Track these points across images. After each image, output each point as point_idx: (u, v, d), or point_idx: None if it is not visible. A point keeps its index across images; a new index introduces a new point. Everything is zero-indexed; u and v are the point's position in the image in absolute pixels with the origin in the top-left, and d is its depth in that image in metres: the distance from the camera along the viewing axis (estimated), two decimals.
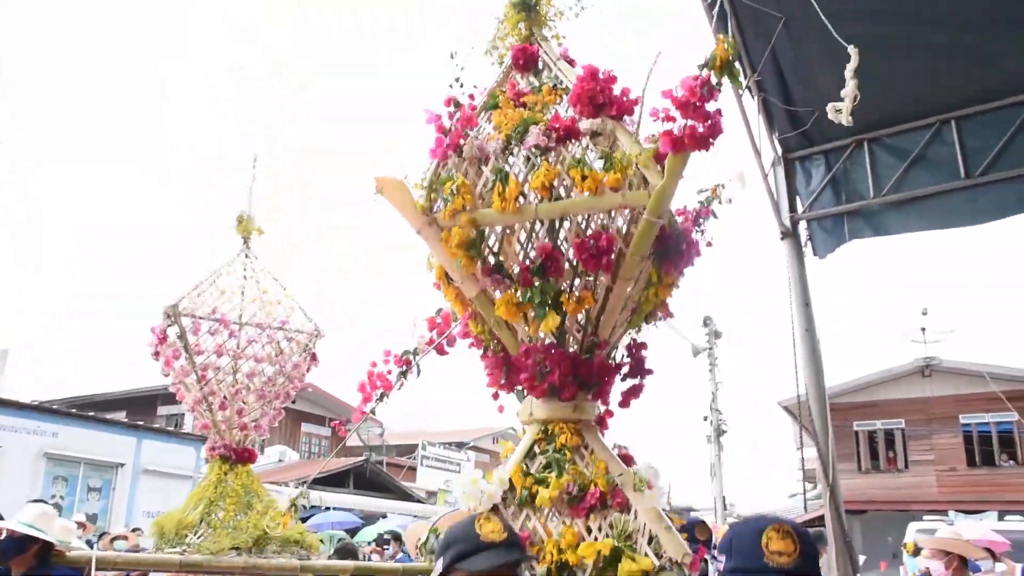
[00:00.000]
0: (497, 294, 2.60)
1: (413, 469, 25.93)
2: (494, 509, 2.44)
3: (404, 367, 2.94)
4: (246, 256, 5.47)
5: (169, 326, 5.03)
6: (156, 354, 5.09)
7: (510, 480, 2.49)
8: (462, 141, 2.65)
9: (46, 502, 4.23)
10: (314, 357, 5.49)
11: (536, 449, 2.59)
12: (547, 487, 2.43)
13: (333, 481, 22.02)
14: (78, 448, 14.14)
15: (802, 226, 5.70)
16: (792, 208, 5.69)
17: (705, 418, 23.70)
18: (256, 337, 5.27)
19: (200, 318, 5.12)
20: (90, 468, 14.37)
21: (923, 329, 21.82)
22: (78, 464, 14.16)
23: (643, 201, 2.48)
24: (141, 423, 17.06)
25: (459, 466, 27.14)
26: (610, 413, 2.81)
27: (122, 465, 14.86)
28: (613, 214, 2.69)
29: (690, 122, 2.27)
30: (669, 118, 2.32)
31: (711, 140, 2.32)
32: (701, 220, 3.01)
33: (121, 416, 18.21)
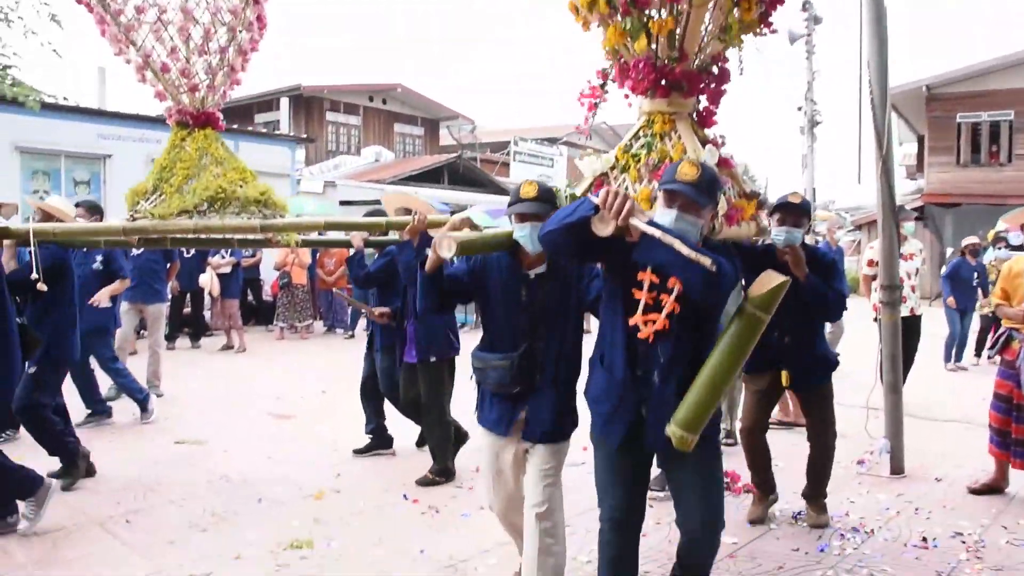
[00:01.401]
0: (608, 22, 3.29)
1: (507, 165, 26.46)
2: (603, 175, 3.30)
3: (602, 80, 3.50)
4: None
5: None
6: (102, 31, 4.74)
7: (615, 156, 3.31)
8: None
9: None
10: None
11: (640, 134, 3.35)
12: (638, 160, 3.22)
13: (428, 178, 22.85)
14: None
15: None
16: None
17: (799, 108, 23.01)
18: None
19: None
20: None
21: None
22: None
23: None
24: (236, 127, 17.78)
25: (551, 161, 27.43)
26: (712, 111, 3.45)
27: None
28: None
29: None
30: None
31: None
32: None
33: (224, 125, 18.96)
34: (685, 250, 2.45)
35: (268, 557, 4.01)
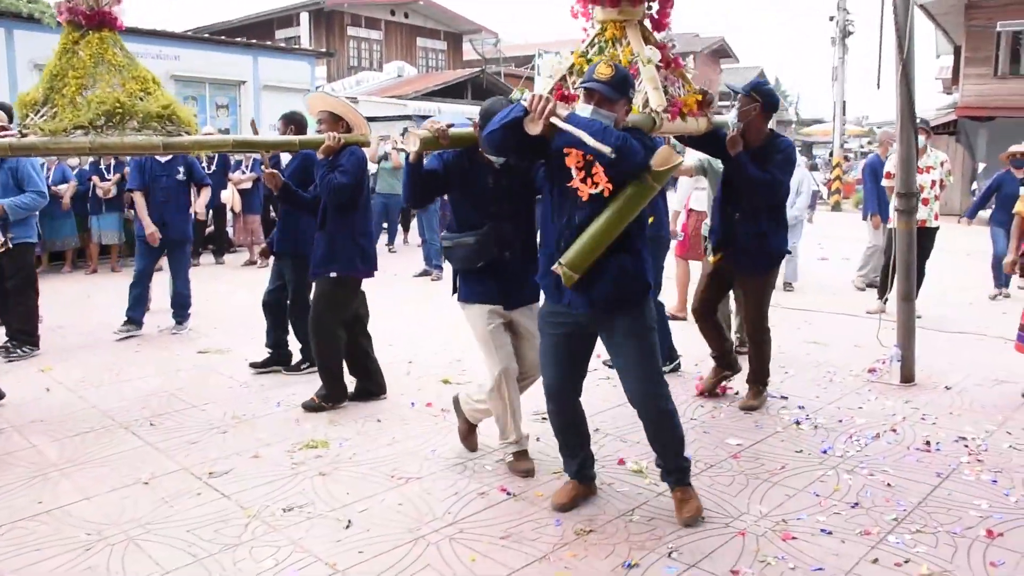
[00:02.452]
0: None
1: (531, 79, 26.06)
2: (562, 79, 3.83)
3: None
4: None
5: None
6: None
7: (573, 60, 3.79)
8: None
9: None
10: None
11: (595, 41, 3.83)
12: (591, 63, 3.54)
13: (451, 92, 22.61)
14: (201, 69, 14.82)
15: None
16: None
17: (831, 18, 22.32)
18: None
19: None
20: (215, 88, 15.21)
21: None
22: (203, 84, 15.06)
23: None
24: (254, 42, 17.60)
25: None
26: (665, 15, 3.97)
27: (243, 83, 15.57)
28: None
29: None
30: None
31: None
32: None
33: (243, 41, 18.72)
34: (590, 141, 3.00)
35: (284, 456, 4.16)
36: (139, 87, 4.31)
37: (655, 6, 3.92)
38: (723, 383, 5.26)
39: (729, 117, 4.57)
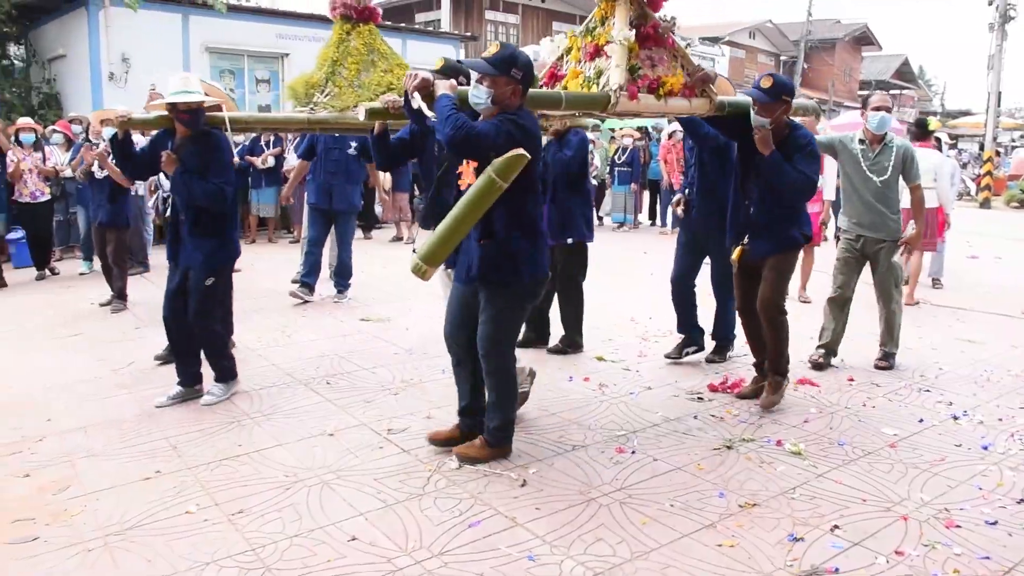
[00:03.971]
0: None
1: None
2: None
3: None
4: None
5: None
6: None
7: (568, 41, 4.16)
8: None
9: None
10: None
11: (591, 21, 4.13)
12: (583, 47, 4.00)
13: None
14: None
15: None
16: None
17: (990, 2, 21.12)
18: None
19: None
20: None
21: None
22: None
23: None
24: (402, 25, 18.20)
25: (713, 61, 26.51)
26: None
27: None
28: None
29: None
30: None
31: None
32: None
33: (390, 24, 19.40)
34: (429, 114, 3.63)
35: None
36: (403, 72, 4.75)
37: None
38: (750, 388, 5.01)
39: (754, 120, 4.43)
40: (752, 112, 4.43)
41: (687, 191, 5.57)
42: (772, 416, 4.57)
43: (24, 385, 5.12)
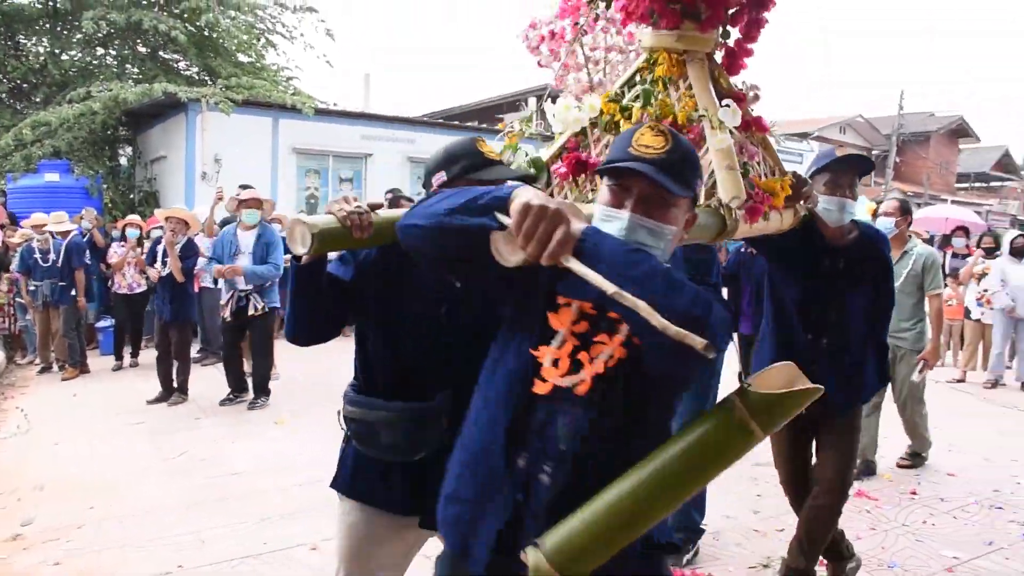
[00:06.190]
0: None
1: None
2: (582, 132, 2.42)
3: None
4: None
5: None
6: (536, 48, 4.72)
7: (600, 107, 2.35)
8: None
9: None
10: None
11: (637, 78, 2.44)
12: (629, 115, 2.28)
13: None
14: (433, 151, 16.03)
15: None
16: None
17: None
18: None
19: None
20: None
21: None
22: None
23: None
24: (484, 126, 18.78)
25: (801, 157, 26.22)
26: (745, 50, 2.52)
27: (355, 199, 16.95)
28: None
29: None
30: None
31: None
32: None
33: (473, 125, 20.09)
34: (657, 321, 1.39)
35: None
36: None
37: (734, 33, 2.51)
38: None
39: (822, 205, 3.04)
40: (834, 199, 3.07)
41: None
42: None
43: (77, 470, 5.29)
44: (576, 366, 1.60)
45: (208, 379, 8.22)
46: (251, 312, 6.99)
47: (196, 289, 8.66)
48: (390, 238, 1.87)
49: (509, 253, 1.52)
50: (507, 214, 1.51)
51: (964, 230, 10.88)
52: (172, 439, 6.09)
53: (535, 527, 1.56)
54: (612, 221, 1.61)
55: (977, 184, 39.24)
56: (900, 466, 5.41)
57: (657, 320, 1.39)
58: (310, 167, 14.67)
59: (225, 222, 8.45)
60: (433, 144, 15.75)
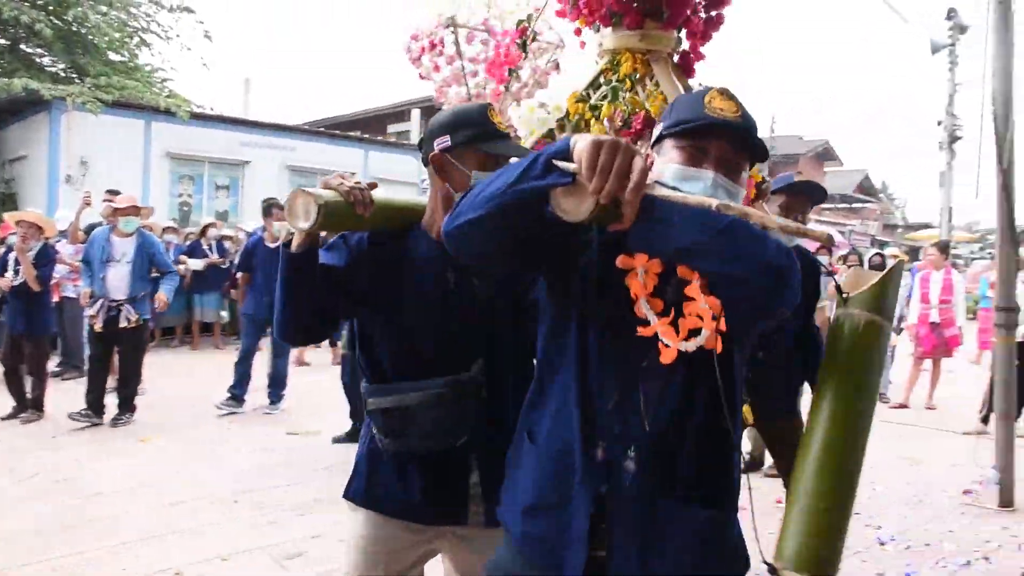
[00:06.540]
0: None
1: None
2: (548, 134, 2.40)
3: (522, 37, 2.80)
4: None
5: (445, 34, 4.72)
6: (417, 60, 4.22)
7: (566, 108, 2.36)
8: None
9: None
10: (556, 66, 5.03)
11: (601, 79, 2.45)
12: (599, 114, 2.30)
13: None
14: (314, 160, 15.70)
15: None
16: None
17: (939, 123, 22.01)
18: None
19: (474, 29, 4.76)
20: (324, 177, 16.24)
21: None
22: (315, 174, 15.98)
23: None
24: (366, 136, 18.57)
25: None
26: (699, 55, 2.59)
27: (353, 174, 16.56)
28: None
29: None
30: None
31: None
32: None
33: (356, 135, 19.84)
34: (772, 221, 1.41)
35: None
36: None
37: (683, 40, 2.59)
38: None
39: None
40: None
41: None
42: None
43: None
44: (690, 329, 1.47)
45: (68, 393, 7.74)
46: (123, 324, 6.62)
47: (56, 299, 8.16)
48: (389, 221, 1.92)
49: (577, 204, 1.37)
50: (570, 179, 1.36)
51: (827, 248, 11.46)
52: (24, 459, 5.69)
53: (620, 518, 1.49)
54: (693, 181, 1.53)
55: (841, 205, 41.54)
56: (769, 475, 5.59)
57: (772, 220, 1.38)
58: (184, 173, 14.12)
59: (90, 228, 8.01)
60: (314, 153, 15.71)
